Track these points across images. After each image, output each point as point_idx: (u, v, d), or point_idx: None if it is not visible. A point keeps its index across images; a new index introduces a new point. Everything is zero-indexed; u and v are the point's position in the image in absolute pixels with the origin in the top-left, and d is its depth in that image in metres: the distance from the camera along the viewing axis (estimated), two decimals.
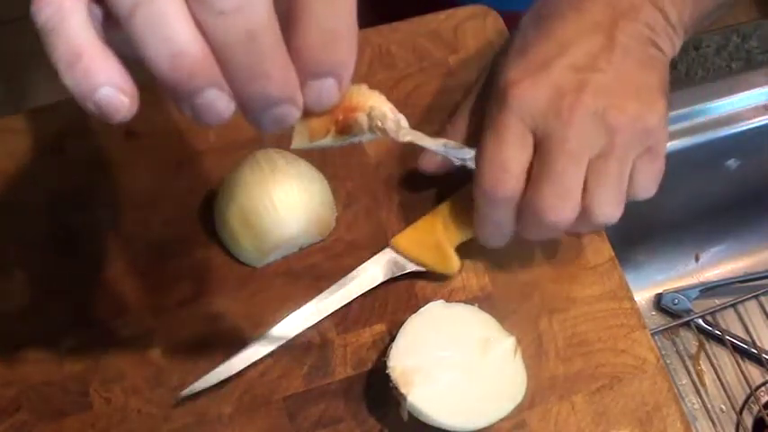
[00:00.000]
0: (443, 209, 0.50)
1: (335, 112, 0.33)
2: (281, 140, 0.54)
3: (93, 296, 0.49)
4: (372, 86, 0.60)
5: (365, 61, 0.58)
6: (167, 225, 0.51)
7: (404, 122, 0.34)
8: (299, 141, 0.34)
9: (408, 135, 0.34)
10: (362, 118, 0.33)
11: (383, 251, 0.50)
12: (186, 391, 0.45)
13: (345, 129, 0.33)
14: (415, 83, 0.57)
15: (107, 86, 0.26)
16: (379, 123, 0.33)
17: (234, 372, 0.46)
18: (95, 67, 0.26)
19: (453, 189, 0.51)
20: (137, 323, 0.48)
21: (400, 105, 0.55)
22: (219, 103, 0.27)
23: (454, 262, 0.49)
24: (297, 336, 0.48)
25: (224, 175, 0.51)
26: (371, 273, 0.49)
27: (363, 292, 0.48)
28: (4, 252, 0.50)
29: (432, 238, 0.49)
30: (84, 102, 0.26)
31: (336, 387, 0.47)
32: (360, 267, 0.49)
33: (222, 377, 0.46)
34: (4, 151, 0.54)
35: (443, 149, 0.38)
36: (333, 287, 0.48)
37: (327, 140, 0.34)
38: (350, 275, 0.49)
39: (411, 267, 0.49)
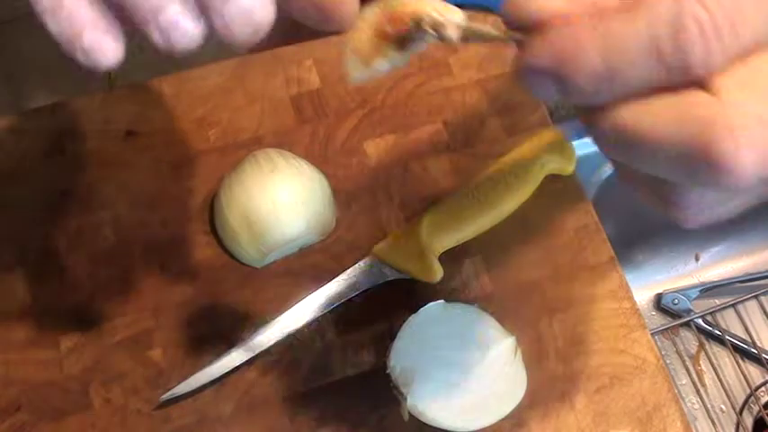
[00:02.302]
0: (426, 217, 0.50)
1: (380, 27, 0.30)
2: (282, 141, 0.54)
3: (93, 296, 0.49)
4: (372, 86, 0.60)
5: None
6: (167, 225, 0.51)
7: (459, 18, 0.29)
8: (355, 72, 0.31)
9: (467, 32, 0.30)
10: (414, 24, 0.29)
11: (366, 258, 0.49)
12: (167, 395, 0.45)
13: (399, 43, 0.30)
14: (414, 83, 0.57)
15: (92, 30, 0.26)
16: (433, 25, 0.29)
17: (210, 380, 0.46)
18: (79, 11, 0.26)
19: (445, 192, 0.51)
20: (137, 323, 0.48)
21: (400, 106, 0.56)
22: (186, 20, 0.26)
23: (437, 270, 0.49)
24: (297, 336, 0.48)
25: (224, 175, 0.51)
26: (353, 280, 0.49)
27: (343, 300, 0.48)
28: (5, 252, 0.50)
29: (414, 247, 0.49)
30: (71, 49, 0.26)
31: (336, 387, 0.47)
32: (342, 275, 0.49)
33: (197, 385, 0.46)
34: (5, 151, 0.54)
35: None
36: (312, 295, 0.48)
37: (384, 62, 0.31)
38: (331, 283, 0.49)
39: (394, 275, 0.49)
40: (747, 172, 0.23)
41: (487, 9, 0.60)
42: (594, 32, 0.24)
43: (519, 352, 0.45)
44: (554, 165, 0.53)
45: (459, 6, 0.31)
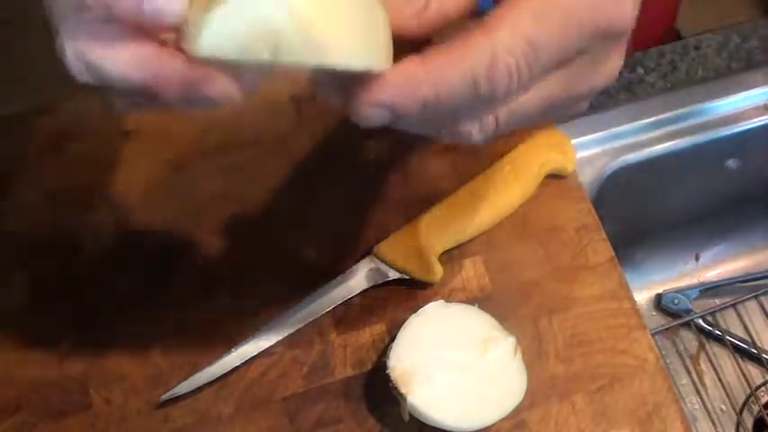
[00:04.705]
0: (426, 217, 0.50)
1: None
2: (282, 141, 0.54)
3: (93, 296, 0.49)
4: None
5: None
6: (167, 225, 0.51)
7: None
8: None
9: None
10: None
11: (365, 258, 0.49)
12: (167, 395, 0.45)
13: None
14: None
15: None
16: None
17: (210, 380, 0.46)
18: None
19: (445, 192, 0.51)
20: (137, 323, 0.48)
21: None
22: None
23: (437, 270, 0.49)
24: (297, 336, 0.48)
25: (223, 175, 0.51)
26: (353, 280, 0.49)
27: (344, 300, 0.48)
28: (4, 252, 0.50)
29: (414, 246, 0.49)
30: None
31: (336, 387, 0.47)
32: (342, 275, 0.49)
33: (197, 385, 0.46)
34: (5, 151, 0.54)
35: None
36: (312, 295, 0.48)
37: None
38: (331, 283, 0.49)
39: (394, 275, 0.49)
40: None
41: None
42: (428, 74, 0.29)
43: (519, 352, 0.45)
44: (554, 165, 0.53)
45: None
